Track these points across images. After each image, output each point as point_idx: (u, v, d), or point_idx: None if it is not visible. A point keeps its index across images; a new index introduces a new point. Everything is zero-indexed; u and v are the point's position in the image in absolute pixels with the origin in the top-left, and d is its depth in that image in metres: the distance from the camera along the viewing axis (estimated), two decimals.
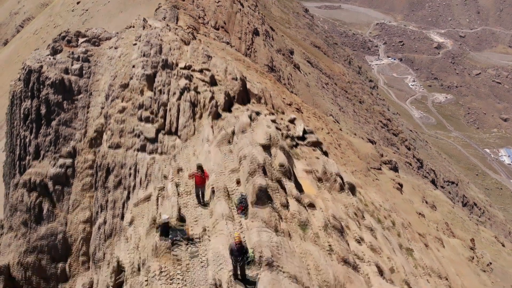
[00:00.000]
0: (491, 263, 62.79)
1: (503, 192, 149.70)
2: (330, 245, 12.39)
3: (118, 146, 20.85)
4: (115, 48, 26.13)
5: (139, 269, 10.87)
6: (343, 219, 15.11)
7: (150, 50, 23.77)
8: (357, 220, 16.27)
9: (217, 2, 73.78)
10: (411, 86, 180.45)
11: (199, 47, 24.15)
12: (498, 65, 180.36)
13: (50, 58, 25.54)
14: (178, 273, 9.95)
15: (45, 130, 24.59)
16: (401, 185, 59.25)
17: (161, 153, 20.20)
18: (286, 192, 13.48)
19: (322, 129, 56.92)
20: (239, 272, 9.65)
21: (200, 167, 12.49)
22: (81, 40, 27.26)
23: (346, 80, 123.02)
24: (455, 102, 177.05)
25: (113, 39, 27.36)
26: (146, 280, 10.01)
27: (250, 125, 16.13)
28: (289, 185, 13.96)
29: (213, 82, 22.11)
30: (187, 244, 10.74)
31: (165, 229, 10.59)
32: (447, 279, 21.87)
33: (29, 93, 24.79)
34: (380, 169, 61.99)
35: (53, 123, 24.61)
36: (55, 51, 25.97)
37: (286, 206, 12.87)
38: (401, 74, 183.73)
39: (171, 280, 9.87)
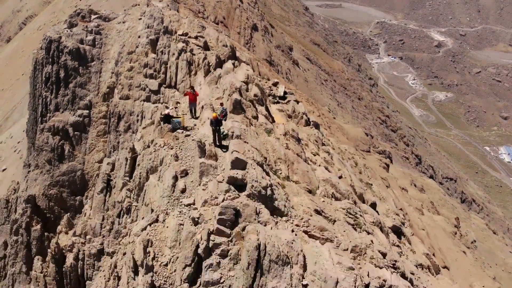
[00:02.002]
0: (475, 241, 67.41)
1: (502, 189, 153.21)
2: (287, 144, 17.49)
3: (127, 97, 26.04)
4: (123, 22, 31.47)
5: (148, 146, 15.99)
6: (303, 139, 20.19)
7: (154, 22, 29.04)
8: (316, 145, 21.34)
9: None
10: (411, 85, 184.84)
11: (195, 19, 29.45)
12: (498, 63, 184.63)
13: (67, 31, 30.85)
14: (176, 145, 15.11)
15: (63, 91, 29.82)
16: (387, 165, 63.96)
17: (163, 103, 25.34)
18: (257, 110, 18.61)
19: (313, 112, 61.96)
20: (217, 142, 14.82)
21: (192, 87, 17.67)
22: (93, 16, 32.60)
23: (345, 77, 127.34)
24: (455, 100, 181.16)
25: (121, 15, 32.73)
26: (154, 150, 15.13)
27: (233, 69, 21.30)
28: (260, 108, 19.10)
29: (206, 47, 27.31)
30: (182, 131, 15.93)
31: (167, 119, 15.75)
32: (402, 209, 26.72)
33: (50, 59, 30.04)
34: (369, 151, 66.79)
35: (71, 85, 29.84)
36: (71, 25, 31.30)
37: (256, 117, 18.01)
38: (401, 72, 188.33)
39: (171, 148, 15.02)
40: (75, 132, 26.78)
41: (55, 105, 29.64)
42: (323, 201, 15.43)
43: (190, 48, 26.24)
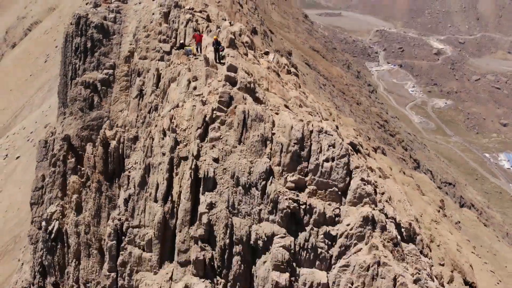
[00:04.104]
0: (459, 222, 74.28)
1: (502, 196, 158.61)
2: (269, 73, 25.00)
3: (145, 58, 33.70)
4: (139, 3, 39.46)
5: (169, 65, 23.56)
6: (284, 79, 27.70)
7: (165, 1, 36.95)
8: (295, 87, 28.82)
9: (218, 2, 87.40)
10: (411, 92, 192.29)
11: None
12: (497, 70, 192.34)
13: (93, 9, 38.80)
14: (188, 63, 22.66)
15: (90, 59, 37.56)
16: (375, 149, 70.98)
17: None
18: (247, 51, 26.21)
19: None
20: (217, 60, 22.40)
21: (199, 31, 25.30)
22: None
23: (344, 82, 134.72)
24: (455, 107, 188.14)
25: None
26: (173, 67, 22.70)
27: (229, 25, 28.97)
28: (250, 51, 26.70)
29: (208, 19, 35.12)
30: (192, 56, 23.54)
31: (182, 47, 23.35)
32: (368, 155, 33.99)
33: (79, 32, 37.88)
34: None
35: (96, 54, 37.58)
36: (96, 5, 39.28)
37: (246, 54, 25.60)
38: (401, 80, 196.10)
39: (185, 65, 22.59)
40: (102, 87, 34.38)
41: (83, 70, 37.33)
42: (292, 105, 22.88)
43: (196, 19, 34.02)
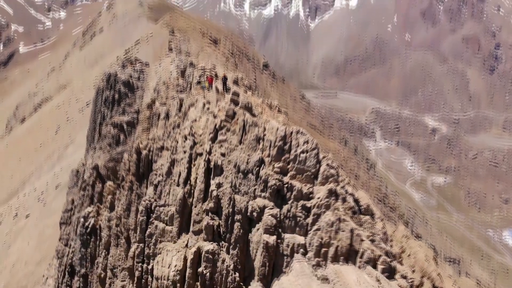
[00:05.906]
0: (451, 276, 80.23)
1: (509, 275, 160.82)
2: (263, 105, 34.36)
3: (164, 104, 43.37)
4: (159, 65, 50.18)
5: (189, 96, 33.00)
6: (275, 114, 37.00)
7: (181, 63, 47.61)
8: (285, 120, 38.04)
9: None
10: (409, 169, 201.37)
11: (209, 61, 48.08)
12: (494, 147, 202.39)
13: (120, 69, 49.41)
14: (203, 93, 32.16)
15: (116, 108, 47.39)
16: None
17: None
18: (247, 90, 35.80)
19: None
20: (225, 90, 31.91)
21: (211, 75, 35.15)
22: (137, 62, 51.42)
23: (342, 156, 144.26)
24: (454, 183, 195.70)
25: (157, 62, 51.60)
26: (192, 96, 32.17)
27: (234, 73, 38.99)
28: (249, 91, 36.32)
29: (216, 76, 45.38)
30: (207, 89, 33.14)
31: (199, 83, 33.04)
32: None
33: (109, 86, 48.11)
34: None
35: (122, 104, 47.48)
36: (123, 66, 49.95)
37: (246, 92, 35.16)
38: (399, 157, 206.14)
39: (201, 94, 32.02)
40: (127, 127, 43.71)
41: (110, 117, 46.95)
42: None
43: (206, 75, 44.32)
